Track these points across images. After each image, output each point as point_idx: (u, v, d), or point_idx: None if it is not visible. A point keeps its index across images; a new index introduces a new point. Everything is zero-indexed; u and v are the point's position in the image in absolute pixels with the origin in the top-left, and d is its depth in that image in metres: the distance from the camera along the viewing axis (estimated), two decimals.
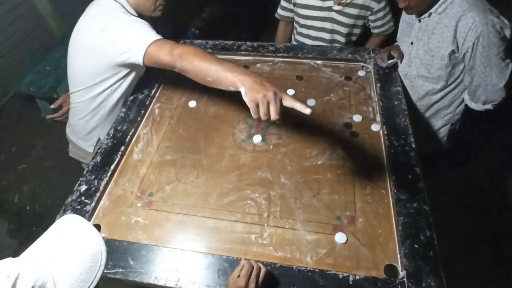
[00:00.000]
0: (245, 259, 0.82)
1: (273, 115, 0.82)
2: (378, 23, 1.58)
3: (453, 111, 1.42)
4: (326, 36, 1.62)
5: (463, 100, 1.38)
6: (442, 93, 1.36)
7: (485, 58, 1.15)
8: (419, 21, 1.29)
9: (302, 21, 1.63)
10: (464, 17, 1.14)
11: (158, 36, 1.09)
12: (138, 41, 1.08)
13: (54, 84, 2.45)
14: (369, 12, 1.53)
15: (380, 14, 1.54)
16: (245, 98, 0.86)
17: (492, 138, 2.24)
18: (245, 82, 0.87)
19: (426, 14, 1.25)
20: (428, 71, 1.32)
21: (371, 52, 1.50)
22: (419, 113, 1.45)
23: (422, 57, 1.31)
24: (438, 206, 1.91)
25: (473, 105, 1.32)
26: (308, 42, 1.68)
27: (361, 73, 1.44)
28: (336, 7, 1.51)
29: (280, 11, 1.74)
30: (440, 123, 1.47)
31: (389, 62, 1.40)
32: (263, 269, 0.81)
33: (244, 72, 0.90)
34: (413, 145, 1.13)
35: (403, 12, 1.36)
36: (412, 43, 1.34)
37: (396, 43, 1.49)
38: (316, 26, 1.61)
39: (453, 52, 1.22)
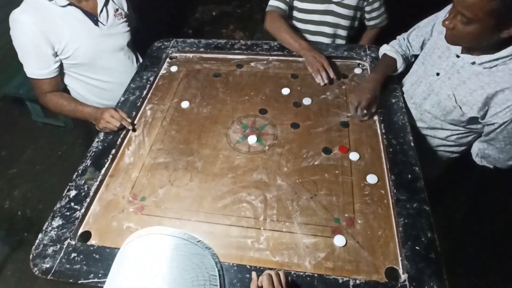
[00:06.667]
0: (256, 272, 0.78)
1: None
2: (374, 14, 1.55)
3: (457, 150, 1.30)
4: (328, 30, 1.56)
5: (469, 142, 1.24)
6: (449, 132, 1.22)
7: (510, 138, 1.03)
8: (457, 56, 1.08)
9: (299, 15, 1.58)
10: (508, 92, 0.96)
11: (31, 75, 1.27)
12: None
13: None
14: (365, 3, 1.50)
15: (376, 4, 1.51)
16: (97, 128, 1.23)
17: None
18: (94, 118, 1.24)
19: (469, 58, 1.04)
20: (443, 115, 1.16)
21: (367, 49, 1.47)
22: (420, 139, 1.29)
23: (442, 99, 1.13)
24: (437, 205, 1.91)
25: (477, 159, 1.20)
26: (309, 38, 1.62)
27: (358, 70, 1.42)
28: None
29: (274, 2, 1.55)
30: (440, 155, 1.35)
31: (363, 117, 1.20)
32: (281, 273, 0.77)
33: (90, 115, 1.25)
34: (412, 144, 1.11)
35: (436, 27, 1.19)
36: (438, 75, 1.14)
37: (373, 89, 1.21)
38: (315, 20, 1.55)
39: (476, 117, 1.07)
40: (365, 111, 1.18)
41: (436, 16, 1.22)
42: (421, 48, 1.29)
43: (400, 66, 1.30)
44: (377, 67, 1.31)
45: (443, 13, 1.18)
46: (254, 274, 0.79)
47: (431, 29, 1.22)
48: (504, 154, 1.10)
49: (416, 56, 1.31)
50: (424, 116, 1.24)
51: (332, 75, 1.32)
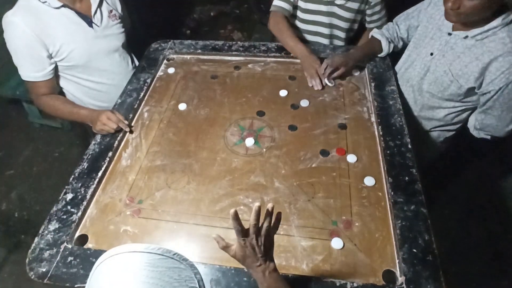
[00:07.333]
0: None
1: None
2: (375, 17, 1.55)
3: (454, 128, 1.36)
4: (325, 31, 1.57)
5: (465, 119, 1.30)
6: (447, 111, 1.27)
7: (506, 104, 1.09)
8: (449, 34, 1.15)
9: (302, 15, 1.57)
10: (502, 59, 1.02)
11: (26, 78, 1.27)
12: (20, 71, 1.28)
13: None
14: (367, 6, 1.51)
15: (377, 8, 1.52)
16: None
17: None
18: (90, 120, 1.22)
19: (462, 34, 1.10)
20: (440, 92, 1.22)
21: None
22: (416, 123, 1.37)
23: (438, 76, 1.19)
24: (434, 205, 1.92)
25: (474, 132, 1.25)
26: (308, 37, 1.63)
27: (355, 72, 1.42)
28: (339, 1, 1.47)
29: (278, 2, 1.54)
30: (436, 135, 1.40)
31: (328, 82, 1.34)
32: (266, 225, 0.67)
33: (86, 117, 1.24)
34: (409, 146, 1.11)
35: (424, 14, 1.27)
36: (432, 54, 1.21)
37: (351, 51, 1.40)
38: (316, 20, 1.55)
39: (473, 88, 1.12)
40: (329, 70, 1.32)
41: (422, 4, 1.30)
42: (407, 31, 1.38)
43: (385, 46, 1.39)
44: (360, 46, 1.45)
45: (427, 1, 1.27)
46: (217, 236, 0.70)
47: (417, 14, 1.31)
48: (501, 121, 1.14)
49: (402, 39, 1.42)
50: (422, 96, 1.29)
51: (324, 82, 1.35)
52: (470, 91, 1.15)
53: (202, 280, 0.50)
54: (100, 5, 1.31)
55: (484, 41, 1.06)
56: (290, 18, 1.60)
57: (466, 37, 1.10)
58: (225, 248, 0.70)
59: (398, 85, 1.34)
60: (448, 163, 2.04)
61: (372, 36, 1.44)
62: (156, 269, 0.46)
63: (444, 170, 2.04)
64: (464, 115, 1.28)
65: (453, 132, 1.38)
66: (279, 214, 0.70)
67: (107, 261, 0.47)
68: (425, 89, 1.26)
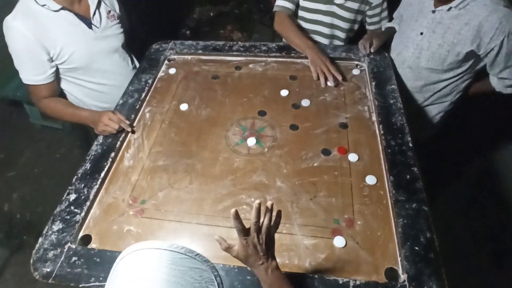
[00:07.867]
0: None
1: None
2: (375, 19, 1.56)
3: (452, 99, 1.45)
4: (325, 30, 1.58)
5: (463, 88, 1.40)
6: (446, 82, 1.37)
7: None
8: (433, 12, 1.27)
9: (302, 13, 1.58)
10: (490, 18, 1.13)
11: (27, 81, 1.27)
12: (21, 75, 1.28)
13: None
14: (367, 7, 1.51)
15: (378, 9, 1.52)
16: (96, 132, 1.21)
17: (487, 133, 2.24)
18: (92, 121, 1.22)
19: (445, 7, 1.22)
20: (440, 64, 1.31)
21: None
22: (415, 101, 1.48)
23: (434, 51, 1.29)
24: (435, 203, 1.92)
25: (508, 90, 1.32)
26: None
27: (356, 71, 1.42)
28: (338, 1, 1.48)
29: (281, 2, 1.56)
30: (437, 110, 1.50)
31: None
32: (266, 223, 0.68)
33: (88, 119, 1.24)
34: (410, 144, 1.11)
35: (405, 3, 1.41)
36: (422, 34, 1.31)
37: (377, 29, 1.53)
38: (316, 19, 1.56)
39: (472, 51, 1.22)
40: (367, 45, 1.43)
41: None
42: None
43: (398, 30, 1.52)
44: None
45: None
46: (219, 238, 0.71)
47: (404, 6, 1.46)
48: None
49: None
50: (422, 73, 1.38)
51: (340, 77, 1.35)
52: (469, 55, 1.24)
53: (222, 283, 0.50)
54: (98, 6, 1.32)
55: (467, 7, 1.17)
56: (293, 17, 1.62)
57: (450, 8, 1.21)
58: (228, 249, 0.71)
59: (395, 68, 1.43)
60: (448, 159, 2.04)
61: (386, 27, 1.56)
62: (178, 267, 0.46)
63: (445, 168, 2.04)
64: (462, 85, 1.39)
65: (452, 105, 1.47)
66: (279, 211, 0.71)
67: (130, 255, 0.47)
68: (423, 66, 1.35)
